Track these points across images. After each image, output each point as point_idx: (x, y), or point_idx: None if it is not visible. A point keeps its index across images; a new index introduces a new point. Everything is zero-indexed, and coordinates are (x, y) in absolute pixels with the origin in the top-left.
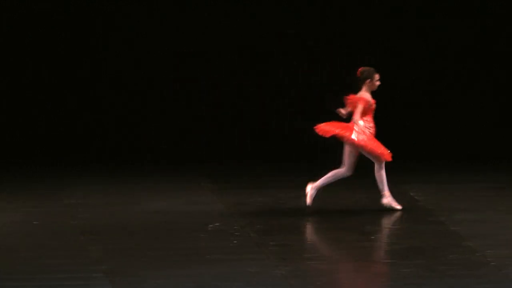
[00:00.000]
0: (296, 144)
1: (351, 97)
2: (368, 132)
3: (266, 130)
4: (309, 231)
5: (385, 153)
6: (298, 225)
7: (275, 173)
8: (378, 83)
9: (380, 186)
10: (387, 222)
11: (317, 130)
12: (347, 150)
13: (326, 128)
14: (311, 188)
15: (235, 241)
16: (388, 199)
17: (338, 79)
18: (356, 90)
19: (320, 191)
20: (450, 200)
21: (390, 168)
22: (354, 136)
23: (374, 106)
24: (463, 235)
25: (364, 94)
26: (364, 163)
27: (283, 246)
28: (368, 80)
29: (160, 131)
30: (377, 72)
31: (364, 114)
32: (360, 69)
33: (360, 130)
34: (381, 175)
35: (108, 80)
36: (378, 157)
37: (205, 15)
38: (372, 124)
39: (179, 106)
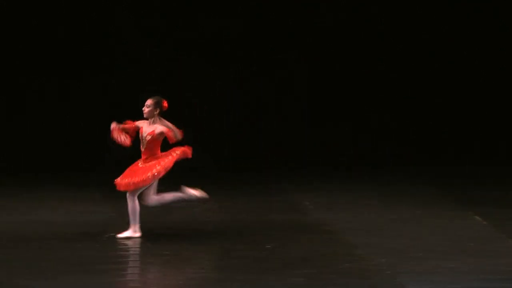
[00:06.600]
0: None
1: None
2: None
3: None
4: (201, 240)
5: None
6: (191, 234)
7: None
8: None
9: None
10: (278, 231)
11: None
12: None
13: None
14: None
15: (131, 251)
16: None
17: None
18: None
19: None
20: (341, 208)
21: (281, 176)
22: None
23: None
24: (355, 244)
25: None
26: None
27: (177, 255)
28: None
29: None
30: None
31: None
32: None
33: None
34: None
35: None
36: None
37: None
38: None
39: None
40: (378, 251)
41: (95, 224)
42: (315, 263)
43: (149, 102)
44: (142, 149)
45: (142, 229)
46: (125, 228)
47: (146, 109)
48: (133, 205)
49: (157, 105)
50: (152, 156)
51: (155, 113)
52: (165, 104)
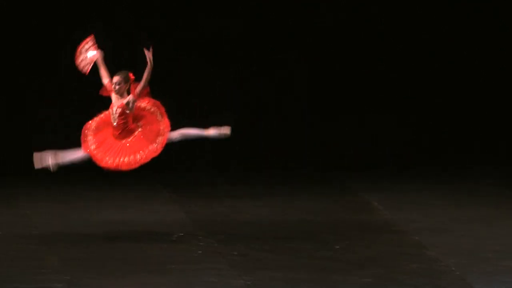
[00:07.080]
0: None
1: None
2: None
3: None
4: (269, 240)
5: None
6: (258, 235)
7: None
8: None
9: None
10: (346, 231)
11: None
12: None
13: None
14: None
15: (199, 251)
16: None
17: None
18: None
19: None
20: (409, 208)
21: (351, 177)
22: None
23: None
24: (424, 244)
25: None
26: None
27: (244, 256)
28: None
29: None
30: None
31: None
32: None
33: None
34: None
35: None
36: None
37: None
38: None
39: None
40: (447, 251)
41: (162, 224)
42: (383, 263)
43: (117, 79)
44: (114, 125)
45: (207, 230)
46: (193, 228)
47: (117, 87)
48: (180, 134)
49: (126, 79)
50: (126, 130)
51: (126, 88)
52: (132, 76)
